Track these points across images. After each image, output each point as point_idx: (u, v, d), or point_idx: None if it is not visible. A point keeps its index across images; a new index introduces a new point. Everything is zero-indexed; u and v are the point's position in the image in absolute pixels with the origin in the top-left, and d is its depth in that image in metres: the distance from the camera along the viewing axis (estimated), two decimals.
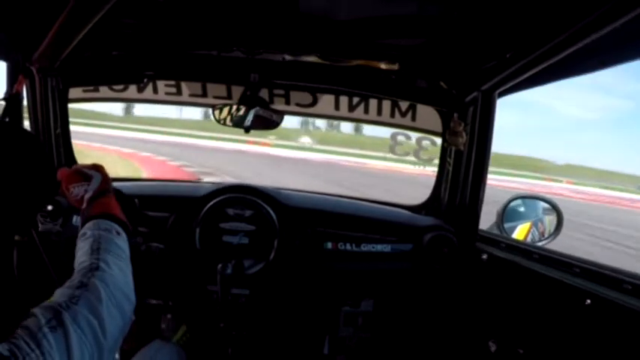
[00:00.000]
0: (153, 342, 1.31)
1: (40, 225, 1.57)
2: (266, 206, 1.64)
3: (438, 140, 1.83)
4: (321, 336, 1.78)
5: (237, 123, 1.66)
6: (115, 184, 1.43)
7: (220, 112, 1.67)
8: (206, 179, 8.04)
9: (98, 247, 0.78)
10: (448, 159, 1.73)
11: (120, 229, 0.86)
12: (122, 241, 0.84)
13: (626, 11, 0.83)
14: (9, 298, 1.17)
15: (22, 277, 1.28)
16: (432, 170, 1.95)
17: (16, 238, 1.28)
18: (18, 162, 0.69)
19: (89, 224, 0.85)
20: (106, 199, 0.94)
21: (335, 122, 35.67)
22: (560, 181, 36.11)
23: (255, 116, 1.64)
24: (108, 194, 0.96)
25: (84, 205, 0.92)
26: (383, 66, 1.63)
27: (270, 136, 29.93)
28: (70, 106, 1.77)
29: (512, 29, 1.22)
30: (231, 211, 1.63)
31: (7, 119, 1.51)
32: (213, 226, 1.62)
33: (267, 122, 1.66)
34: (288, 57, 1.65)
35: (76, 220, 1.38)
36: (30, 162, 0.72)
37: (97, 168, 1.01)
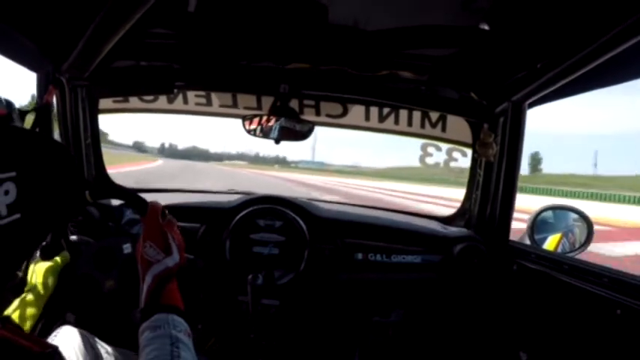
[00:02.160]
0: None
1: (70, 235, 1.57)
2: (296, 217, 1.64)
3: (469, 151, 1.83)
4: (351, 346, 1.77)
5: (267, 134, 1.65)
6: (144, 194, 1.44)
7: (250, 122, 1.66)
8: None
9: (179, 355, 0.77)
10: (479, 170, 1.74)
11: (189, 330, 0.85)
12: (192, 345, 0.83)
13: None
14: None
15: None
16: None
17: None
18: (47, 173, 0.69)
19: (161, 316, 0.82)
20: (173, 286, 0.91)
21: None
22: None
23: (285, 127, 1.64)
24: (174, 279, 0.93)
25: (149, 280, 0.89)
26: (413, 76, 1.64)
27: None
28: None
29: (543, 39, 1.22)
30: (261, 222, 1.63)
31: (37, 130, 1.53)
32: (244, 237, 1.62)
33: (296, 133, 1.65)
34: (318, 67, 1.65)
35: (127, 248, 1.40)
36: (59, 173, 0.72)
37: (182, 247, 0.98)
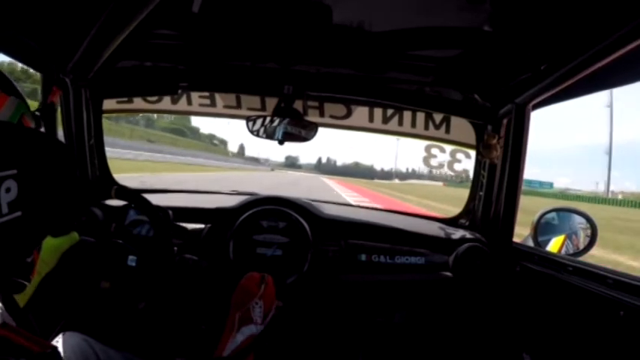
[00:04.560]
0: None
1: None
2: (300, 218, 1.64)
3: (472, 153, 1.83)
4: (355, 347, 1.77)
5: (271, 135, 1.65)
6: (148, 195, 1.44)
7: (254, 123, 1.67)
8: None
9: None
10: (482, 172, 1.74)
11: None
12: None
13: None
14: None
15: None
16: None
17: None
18: (49, 171, 0.69)
19: None
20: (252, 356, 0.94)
21: None
22: None
23: (289, 128, 1.64)
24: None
25: (243, 337, 0.93)
26: (417, 78, 1.64)
27: None
28: None
29: (546, 41, 1.23)
30: (264, 223, 1.63)
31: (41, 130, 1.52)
32: (247, 238, 1.62)
33: (301, 134, 1.65)
34: (322, 69, 1.66)
35: (132, 261, 1.42)
36: (61, 172, 0.72)
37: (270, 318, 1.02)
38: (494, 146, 1.63)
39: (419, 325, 1.78)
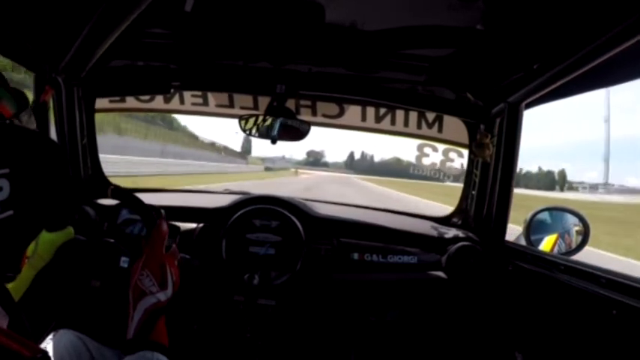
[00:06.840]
0: None
1: None
2: (292, 217, 1.64)
3: (465, 152, 1.83)
4: (347, 346, 1.77)
5: (264, 134, 1.65)
6: (141, 194, 1.44)
7: (246, 122, 1.66)
8: None
9: None
10: (475, 170, 1.74)
11: None
12: None
13: None
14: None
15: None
16: None
17: None
18: (40, 170, 0.69)
19: (146, 354, 0.83)
20: (162, 322, 0.91)
21: None
22: None
23: (282, 126, 1.63)
24: (163, 314, 0.93)
25: (140, 313, 0.89)
26: (409, 77, 1.64)
27: None
28: None
29: (539, 40, 1.23)
30: (257, 222, 1.63)
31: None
32: (240, 236, 1.62)
33: (294, 133, 1.65)
34: (314, 68, 1.66)
35: (124, 262, 1.43)
36: (52, 171, 0.72)
37: (177, 283, 0.98)
38: (486, 145, 1.63)
39: (411, 324, 1.78)
